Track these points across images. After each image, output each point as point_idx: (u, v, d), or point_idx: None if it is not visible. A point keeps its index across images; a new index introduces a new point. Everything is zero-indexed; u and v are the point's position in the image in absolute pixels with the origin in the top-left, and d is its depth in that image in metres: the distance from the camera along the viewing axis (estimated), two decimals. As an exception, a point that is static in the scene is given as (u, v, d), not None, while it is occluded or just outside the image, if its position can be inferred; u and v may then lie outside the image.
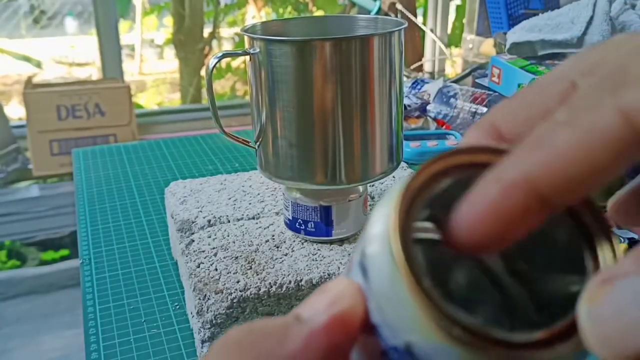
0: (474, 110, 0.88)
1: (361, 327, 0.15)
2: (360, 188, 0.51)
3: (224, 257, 0.48)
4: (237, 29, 2.87)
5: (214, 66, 0.48)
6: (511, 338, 0.14)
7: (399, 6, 1.14)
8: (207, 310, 0.44)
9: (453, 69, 1.80)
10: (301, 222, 0.50)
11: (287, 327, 0.15)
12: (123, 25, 2.70)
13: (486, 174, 0.15)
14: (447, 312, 0.14)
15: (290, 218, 0.51)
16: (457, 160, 0.16)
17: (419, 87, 1.02)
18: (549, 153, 0.14)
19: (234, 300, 0.44)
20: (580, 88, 0.15)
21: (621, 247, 0.60)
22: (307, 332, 0.15)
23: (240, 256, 0.48)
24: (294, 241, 0.51)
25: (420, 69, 1.38)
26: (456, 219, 0.15)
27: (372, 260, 0.15)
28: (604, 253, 0.15)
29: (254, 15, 2.78)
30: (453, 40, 2.40)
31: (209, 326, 0.44)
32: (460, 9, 2.39)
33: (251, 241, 0.50)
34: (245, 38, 0.47)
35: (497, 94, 0.90)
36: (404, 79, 0.90)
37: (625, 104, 0.13)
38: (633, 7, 0.82)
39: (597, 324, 0.13)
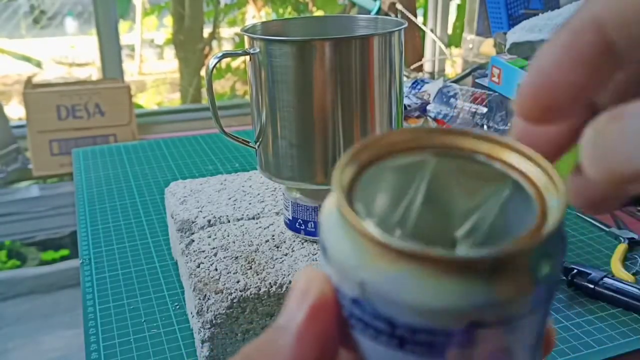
0: (474, 110, 0.88)
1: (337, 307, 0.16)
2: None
3: (224, 257, 0.48)
4: (237, 29, 2.87)
5: (214, 66, 0.48)
6: (454, 255, 0.14)
7: (399, 6, 1.14)
8: (207, 310, 0.44)
9: (453, 69, 1.80)
10: (301, 222, 0.50)
11: (271, 342, 0.15)
12: (123, 25, 2.70)
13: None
14: (391, 241, 0.14)
15: (290, 218, 0.51)
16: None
17: (418, 87, 1.02)
18: None
19: (234, 300, 0.44)
20: None
21: (621, 247, 0.60)
22: (291, 339, 0.15)
23: (240, 256, 0.48)
24: (294, 241, 0.51)
25: (420, 69, 1.38)
26: (533, 69, 0.15)
27: (323, 227, 0.16)
28: (549, 194, 0.16)
29: (254, 15, 2.78)
30: (453, 40, 2.39)
31: (209, 326, 0.44)
32: (460, 9, 2.39)
33: (251, 241, 0.50)
34: (245, 38, 0.47)
35: (497, 94, 0.90)
36: (404, 79, 0.90)
37: None
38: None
39: (600, 146, 0.13)
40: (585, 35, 0.14)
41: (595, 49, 0.14)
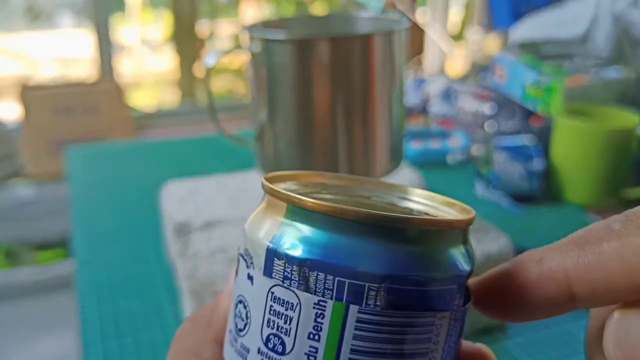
0: (476, 109, 0.87)
1: None
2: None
3: (222, 259, 0.47)
4: (236, 27, 2.86)
5: (213, 65, 0.47)
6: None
7: (400, 4, 1.13)
8: (205, 314, 0.43)
9: (456, 68, 1.79)
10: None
11: (214, 304, 0.20)
12: (120, 24, 2.69)
13: (531, 253, 0.16)
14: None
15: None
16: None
17: (420, 85, 1.01)
18: (594, 257, 0.15)
19: (233, 304, 0.43)
20: None
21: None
22: (220, 300, 0.20)
23: (239, 259, 0.47)
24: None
25: (422, 67, 1.37)
26: (492, 278, 0.17)
27: (248, 227, 0.18)
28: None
29: (253, 13, 2.77)
30: (456, 38, 2.39)
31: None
32: (463, 7, 2.39)
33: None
34: (245, 36, 0.46)
35: (500, 92, 0.89)
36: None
37: None
38: (636, 4, 0.81)
39: (621, 330, 0.14)
40: (551, 282, 0.16)
41: (554, 296, 0.16)
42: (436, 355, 0.16)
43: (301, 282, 0.15)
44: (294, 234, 0.15)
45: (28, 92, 1.79)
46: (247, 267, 0.16)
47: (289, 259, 0.15)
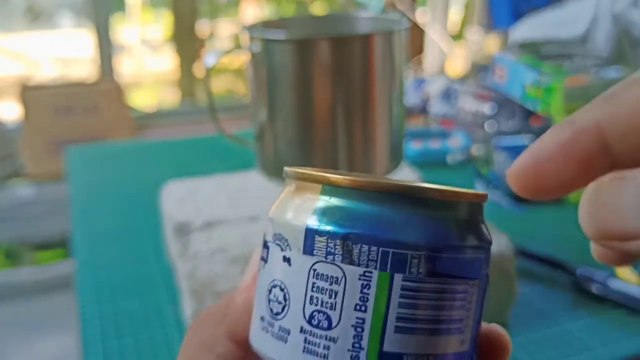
0: (476, 109, 0.87)
1: None
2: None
3: (222, 260, 0.47)
4: (236, 27, 2.86)
5: (213, 65, 0.47)
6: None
7: (400, 4, 1.13)
8: (205, 314, 0.43)
9: (456, 68, 1.79)
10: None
11: (229, 298, 0.21)
12: (120, 23, 2.69)
13: (563, 120, 0.16)
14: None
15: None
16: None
17: (420, 85, 1.01)
18: (619, 103, 0.15)
19: (233, 304, 0.43)
20: None
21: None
22: (240, 294, 0.20)
23: (239, 258, 0.47)
24: (294, 243, 0.50)
25: (422, 67, 1.37)
26: (529, 154, 0.16)
27: (277, 212, 0.19)
28: None
29: (253, 13, 2.77)
30: (456, 38, 2.39)
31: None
32: (463, 7, 2.39)
33: (250, 243, 0.49)
34: (245, 36, 0.46)
35: (500, 92, 0.89)
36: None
37: None
38: (636, 4, 0.81)
39: (595, 202, 0.15)
40: (585, 137, 0.16)
41: (591, 152, 0.16)
42: (468, 322, 0.17)
43: (345, 255, 0.16)
44: (334, 211, 0.16)
45: (28, 92, 1.79)
46: (282, 250, 0.17)
47: (332, 235, 0.16)
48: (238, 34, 2.72)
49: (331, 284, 0.16)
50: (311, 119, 0.45)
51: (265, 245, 0.18)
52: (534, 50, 0.93)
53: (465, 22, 1.94)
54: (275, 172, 0.48)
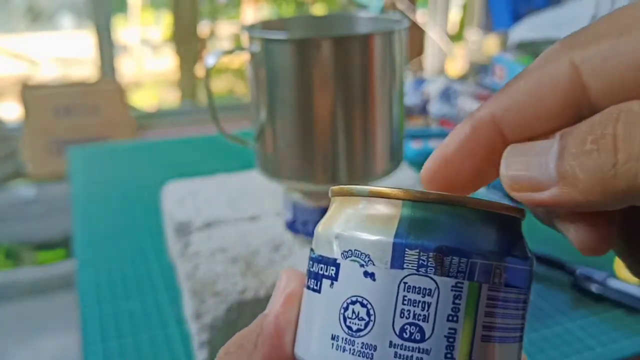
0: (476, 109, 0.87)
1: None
2: (362, 189, 0.50)
3: (222, 259, 0.47)
4: (236, 28, 2.86)
5: (213, 65, 0.47)
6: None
7: (399, 4, 1.13)
8: (205, 313, 0.43)
9: (456, 68, 1.79)
10: (301, 223, 0.49)
11: (257, 325, 0.20)
12: (121, 24, 2.69)
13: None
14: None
15: (290, 219, 0.50)
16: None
17: (420, 85, 1.01)
18: (509, 96, 0.16)
19: (233, 304, 0.43)
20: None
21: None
22: (271, 321, 0.19)
23: (239, 258, 0.47)
24: (294, 243, 0.50)
25: (421, 67, 1.37)
26: (435, 155, 0.18)
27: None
28: None
29: (253, 13, 2.77)
30: (456, 38, 2.39)
31: (207, 330, 0.43)
32: (463, 7, 2.39)
33: (250, 243, 0.49)
34: (245, 36, 0.46)
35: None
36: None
37: (576, 58, 0.15)
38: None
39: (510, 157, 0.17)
40: (482, 130, 0.17)
41: (490, 142, 0.17)
42: (524, 331, 0.18)
43: (437, 267, 0.16)
44: (421, 226, 0.17)
45: (29, 92, 1.79)
46: (363, 266, 0.17)
47: (424, 248, 0.16)
48: (238, 35, 2.73)
49: (424, 296, 0.16)
50: (311, 119, 0.45)
51: (330, 263, 0.18)
52: (534, 51, 0.93)
53: (464, 22, 1.94)
54: (275, 172, 0.48)
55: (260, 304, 0.44)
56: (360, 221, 0.18)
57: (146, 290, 0.54)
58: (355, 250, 0.17)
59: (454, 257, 0.16)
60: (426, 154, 0.80)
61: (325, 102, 0.44)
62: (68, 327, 1.36)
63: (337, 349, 0.17)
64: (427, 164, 0.18)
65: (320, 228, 0.19)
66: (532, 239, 0.66)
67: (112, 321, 0.50)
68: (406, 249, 0.17)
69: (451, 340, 0.16)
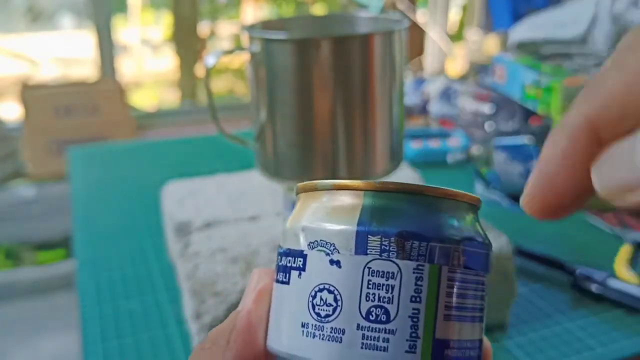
0: (476, 109, 0.87)
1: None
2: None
3: (222, 259, 0.47)
4: (236, 28, 2.86)
5: (213, 65, 0.47)
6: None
7: (399, 4, 1.13)
8: (205, 313, 0.43)
9: (456, 68, 1.79)
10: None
11: (230, 321, 0.20)
12: (121, 24, 2.69)
13: (549, 134, 0.16)
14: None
15: (290, 219, 0.50)
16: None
17: (420, 85, 1.01)
18: (603, 92, 0.15)
19: (232, 304, 0.43)
20: None
21: (625, 248, 0.59)
22: (243, 316, 0.20)
23: (239, 258, 0.47)
24: (294, 243, 0.50)
25: (421, 67, 1.37)
26: (536, 175, 0.16)
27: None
28: None
29: (253, 13, 2.77)
30: (456, 38, 2.39)
31: (207, 330, 0.43)
32: (463, 7, 2.39)
33: (250, 243, 0.49)
34: (245, 36, 0.46)
35: (499, 92, 0.89)
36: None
37: None
38: (635, 4, 0.81)
39: (607, 160, 0.15)
40: (580, 139, 0.16)
41: (590, 151, 0.16)
42: (484, 313, 0.19)
43: (399, 251, 0.17)
44: (382, 214, 0.18)
45: (29, 92, 1.79)
46: (328, 254, 0.18)
47: (386, 234, 0.17)
48: (238, 35, 2.73)
49: (387, 279, 0.17)
50: (311, 119, 0.45)
51: (297, 255, 0.19)
52: (534, 51, 0.93)
53: (464, 22, 1.94)
54: (275, 172, 0.48)
55: (260, 304, 0.44)
56: (325, 213, 0.19)
57: (146, 290, 0.54)
58: (321, 240, 0.18)
59: (414, 242, 0.17)
60: (426, 154, 0.80)
61: (325, 102, 0.44)
62: (68, 327, 1.36)
63: (307, 336, 0.18)
64: (530, 190, 0.17)
65: (288, 224, 0.20)
66: (532, 239, 0.66)
67: (112, 321, 0.50)
68: (369, 236, 0.17)
69: (415, 320, 0.17)
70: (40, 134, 1.76)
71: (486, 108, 0.86)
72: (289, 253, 0.19)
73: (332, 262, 0.18)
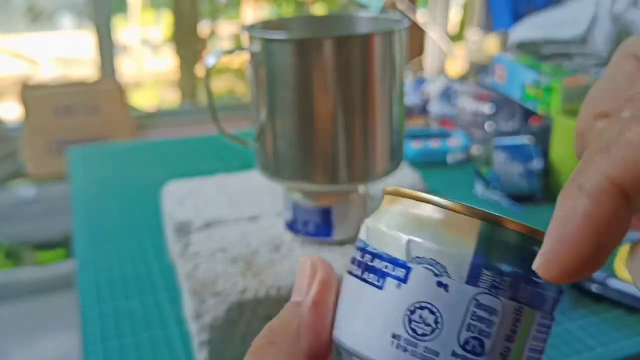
0: (476, 109, 0.87)
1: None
2: (361, 188, 0.50)
3: (222, 259, 0.47)
4: (236, 28, 2.86)
5: (213, 65, 0.47)
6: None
7: (399, 4, 1.13)
8: (205, 313, 0.43)
9: (456, 68, 1.79)
10: (301, 223, 0.49)
11: (293, 315, 0.20)
12: (121, 23, 2.69)
13: (567, 189, 0.15)
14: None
15: (290, 219, 0.50)
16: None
17: (420, 85, 1.01)
18: (626, 148, 0.14)
19: (233, 303, 0.43)
20: None
21: (625, 249, 0.59)
22: (308, 309, 0.19)
23: (239, 258, 0.47)
24: (294, 243, 0.50)
25: (421, 67, 1.37)
26: (555, 241, 0.15)
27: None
28: None
29: (253, 13, 2.77)
30: (456, 38, 2.39)
31: (207, 330, 0.43)
32: (463, 7, 2.39)
33: (250, 243, 0.50)
34: (245, 36, 0.46)
35: (499, 92, 0.89)
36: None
37: None
38: (635, 4, 0.81)
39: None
40: (605, 199, 0.14)
41: (616, 212, 0.14)
42: (544, 353, 0.19)
43: (508, 291, 0.18)
44: (499, 249, 0.18)
45: (29, 92, 1.79)
46: (437, 275, 0.18)
47: (500, 272, 0.18)
48: (238, 35, 2.73)
49: (490, 314, 0.18)
50: (311, 119, 0.45)
51: (398, 264, 0.18)
52: (534, 51, 0.93)
53: (464, 22, 1.94)
54: (275, 172, 0.48)
55: (260, 304, 0.44)
56: (436, 231, 0.18)
57: (146, 290, 0.54)
58: (430, 259, 0.18)
59: (521, 284, 0.18)
60: (426, 154, 0.80)
61: (325, 102, 0.44)
62: (68, 327, 1.36)
63: (397, 348, 0.18)
64: (547, 256, 0.16)
65: (382, 224, 0.19)
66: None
67: (112, 321, 0.50)
68: (483, 269, 0.18)
69: (505, 357, 0.18)
70: (40, 134, 1.76)
71: (486, 108, 0.86)
72: (384, 258, 0.19)
73: (439, 284, 0.18)
